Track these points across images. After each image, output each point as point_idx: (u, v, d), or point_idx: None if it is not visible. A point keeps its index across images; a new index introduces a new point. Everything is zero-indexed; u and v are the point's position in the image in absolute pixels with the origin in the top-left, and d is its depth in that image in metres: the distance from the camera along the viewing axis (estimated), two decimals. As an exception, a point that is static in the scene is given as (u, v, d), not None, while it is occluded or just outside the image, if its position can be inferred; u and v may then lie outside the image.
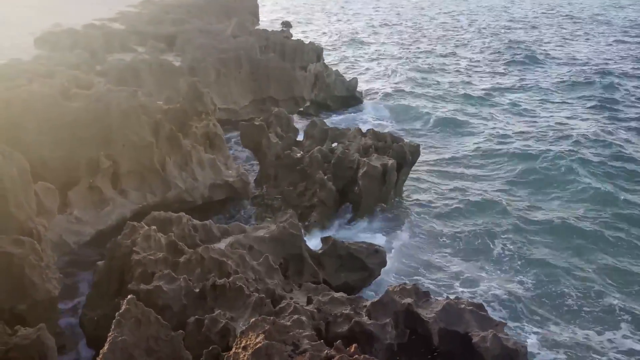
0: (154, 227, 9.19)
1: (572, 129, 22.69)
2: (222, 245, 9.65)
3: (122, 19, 33.91)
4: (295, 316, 6.97)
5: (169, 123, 13.35)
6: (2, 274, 8.26)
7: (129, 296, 5.38)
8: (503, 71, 36.92)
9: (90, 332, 8.31)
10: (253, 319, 5.45)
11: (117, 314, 5.14)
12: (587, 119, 24.29)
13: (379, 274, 10.91)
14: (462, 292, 11.03)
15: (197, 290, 7.90)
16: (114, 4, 41.26)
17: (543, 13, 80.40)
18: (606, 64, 37.44)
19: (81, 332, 8.60)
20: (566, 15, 76.53)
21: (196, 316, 7.39)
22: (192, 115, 14.48)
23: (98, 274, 8.89)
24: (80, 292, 10.28)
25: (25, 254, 8.41)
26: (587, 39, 51.40)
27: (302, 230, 10.95)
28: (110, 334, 4.95)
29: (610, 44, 47.83)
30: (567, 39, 52.55)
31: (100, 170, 11.79)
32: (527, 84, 32.23)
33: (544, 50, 44.27)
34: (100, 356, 4.78)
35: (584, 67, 35.75)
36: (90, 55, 21.36)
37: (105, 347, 4.84)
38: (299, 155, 14.98)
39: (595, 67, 35.59)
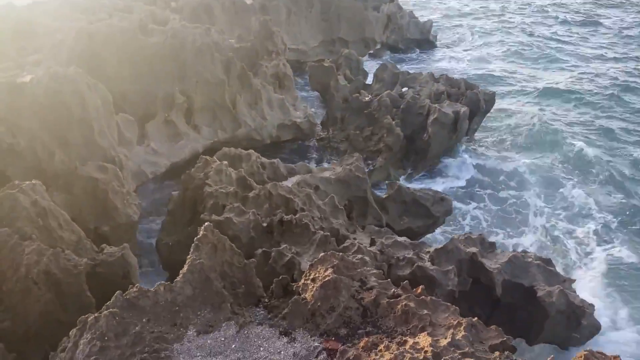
0: (225, 162, 9.47)
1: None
2: (289, 183, 9.85)
3: (196, -45, 33.75)
4: (359, 255, 7.10)
5: (240, 61, 13.45)
6: (88, 197, 8.92)
7: (206, 223, 5.68)
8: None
9: (165, 256, 8.89)
10: (322, 254, 5.60)
11: (195, 238, 5.45)
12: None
13: (444, 222, 10.81)
14: (529, 245, 10.76)
15: (265, 224, 8.18)
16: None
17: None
18: None
19: (156, 255, 9.20)
20: None
21: (263, 249, 7.69)
22: (263, 54, 14.52)
23: (173, 203, 9.37)
24: (157, 219, 10.91)
25: (109, 179, 9.00)
26: None
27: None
28: (189, 256, 5.28)
29: None
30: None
31: (175, 105, 12.18)
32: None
33: None
34: (180, 276, 5.13)
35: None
36: (166, -9, 21.59)
37: (185, 268, 5.18)
38: (367, 98, 14.75)
39: None
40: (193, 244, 5.44)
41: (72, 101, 9.18)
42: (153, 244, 9.34)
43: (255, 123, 13.21)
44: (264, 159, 10.50)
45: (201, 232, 5.54)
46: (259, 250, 7.67)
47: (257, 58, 14.62)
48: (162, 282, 5.25)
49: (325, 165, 12.72)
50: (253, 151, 10.44)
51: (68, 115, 9.18)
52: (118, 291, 5.08)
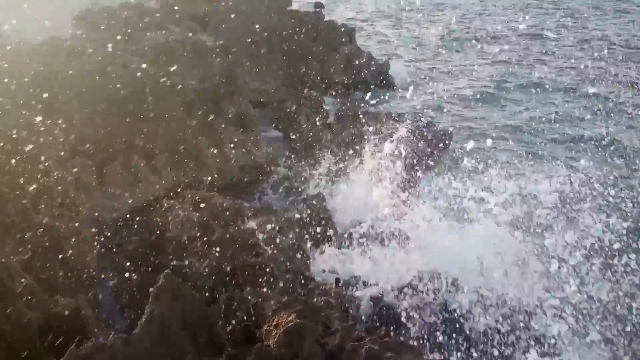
0: (186, 205, 9.37)
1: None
2: (252, 225, 9.79)
3: (157, -2, 34.12)
4: (324, 297, 7.05)
5: (202, 103, 13.51)
6: (42, 245, 8.60)
7: (165, 271, 5.55)
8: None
9: (125, 305, 8.58)
10: (285, 298, 5.54)
11: (154, 287, 5.32)
12: None
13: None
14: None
15: (228, 268, 8.06)
16: (148, -16, 41.44)
17: None
18: None
19: (116, 303, 8.88)
20: None
21: (227, 294, 7.55)
22: (225, 95, 14.61)
23: (132, 249, 9.14)
24: (115, 266, 10.57)
25: (64, 227, 8.72)
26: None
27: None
28: (147, 306, 5.13)
29: None
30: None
31: (135, 148, 12.04)
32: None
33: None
34: (138, 328, 4.96)
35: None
36: (125, 34, 21.65)
37: (143, 319, 5.02)
38: (329, 137, 14.96)
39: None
40: (152, 293, 5.30)
41: (27, 147, 8.95)
42: (112, 293, 9.01)
43: (218, 164, 13.17)
44: (227, 201, 10.44)
45: (160, 280, 5.41)
46: (222, 296, 7.52)
47: (219, 99, 14.69)
48: (120, 334, 5.06)
49: (290, 205, 12.70)
50: (216, 193, 10.39)
51: (22, 161, 8.93)
52: (72, 347, 4.86)
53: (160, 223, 8.97)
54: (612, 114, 22.70)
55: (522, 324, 8.30)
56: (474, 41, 40.17)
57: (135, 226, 11.11)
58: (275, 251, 8.84)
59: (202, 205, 9.93)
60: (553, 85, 27.49)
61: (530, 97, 25.87)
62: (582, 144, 19.14)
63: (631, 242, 10.51)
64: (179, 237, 8.46)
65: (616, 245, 9.96)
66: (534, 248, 10.53)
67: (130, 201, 11.79)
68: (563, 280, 9.43)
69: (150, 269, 8.58)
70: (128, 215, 11.74)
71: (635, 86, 26.67)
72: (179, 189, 11.19)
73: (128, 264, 8.96)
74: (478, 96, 25.35)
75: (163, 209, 9.40)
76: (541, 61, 34.39)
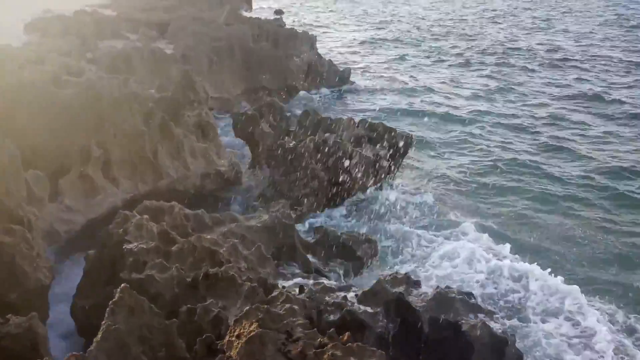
0: (145, 216, 9.16)
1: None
2: (214, 234, 9.66)
3: (114, 5, 33.60)
4: (288, 305, 7.02)
5: (161, 112, 13.28)
6: (-7, 262, 8.24)
7: (122, 285, 5.40)
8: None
9: (81, 321, 8.32)
10: (247, 308, 5.49)
11: (110, 302, 5.16)
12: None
13: (370, 263, 10.99)
14: (454, 280, 11.11)
15: (189, 279, 7.91)
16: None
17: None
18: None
19: (72, 321, 8.59)
20: (559, 7, 76.36)
21: (188, 305, 7.41)
22: (184, 104, 14.41)
23: (89, 263, 8.87)
24: (72, 281, 10.24)
25: (16, 242, 8.38)
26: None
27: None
28: (103, 322, 4.97)
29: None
30: (559, 30, 52.67)
31: (92, 158, 11.71)
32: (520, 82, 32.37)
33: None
34: (94, 344, 4.80)
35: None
36: (81, 42, 21.17)
37: (99, 336, 4.86)
38: (291, 145, 14.95)
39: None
40: (108, 308, 5.15)
41: (-26, 160, 8.59)
42: (68, 309, 8.71)
43: (178, 174, 12.95)
44: (187, 211, 10.26)
45: (117, 295, 5.26)
46: (184, 308, 7.37)
47: (178, 108, 14.47)
48: (74, 352, 4.89)
49: (252, 213, 12.61)
50: (176, 203, 10.18)
51: (-31, 175, 8.57)
52: (23, 367, 4.67)
53: (118, 235, 8.73)
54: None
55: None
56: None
57: (92, 239, 10.82)
58: (237, 260, 8.75)
59: (162, 215, 9.74)
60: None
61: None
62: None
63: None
64: (137, 248, 8.25)
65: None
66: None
67: (86, 213, 11.46)
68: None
69: (107, 283, 8.34)
70: (84, 228, 11.43)
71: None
72: (138, 200, 10.93)
73: (84, 279, 8.68)
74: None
75: (121, 221, 9.14)
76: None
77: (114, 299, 5.26)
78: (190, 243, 8.52)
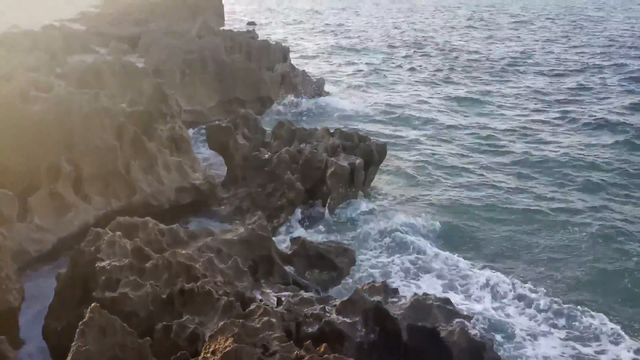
0: (118, 232, 8.99)
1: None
2: (189, 249, 9.53)
3: (83, 20, 33.20)
4: (265, 318, 6.95)
5: (133, 126, 13.11)
6: (-41, 285, 7.96)
7: (92, 304, 5.27)
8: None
9: (53, 343, 8.08)
10: (222, 323, 5.42)
11: (80, 323, 5.02)
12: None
13: (349, 273, 10.97)
14: (433, 287, 11.18)
15: (165, 295, 7.78)
16: (74, 5, 40.27)
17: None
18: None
19: (44, 343, 8.34)
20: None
21: (164, 322, 7.28)
22: (157, 117, 14.26)
23: (61, 282, 8.65)
24: (43, 302, 9.97)
25: (-17, 264, 8.13)
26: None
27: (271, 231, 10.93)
28: (73, 344, 4.83)
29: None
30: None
31: (62, 175, 11.48)
32: (496, 91, 33.01)
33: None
34: (63, 367, 4.66)
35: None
36: (49, 57, 20.82)
37: (69, 358, 4.72)
38: (266, 156, 14.92)
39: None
40: (78, 329, 5.02)
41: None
42: (40, 330, 8.46)
43: (152, 188, 12.78)
44: (162, 226, 10.11)
45: (87, 315, 5.14)
46: (159, 325, 7.24)
47: (151, 122, 14.31)
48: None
49: (228, 226, 12.50)
50: (150, 218, 10.02)
51: None
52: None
53: (90, 253, 8.54)
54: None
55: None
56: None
57: (64, 258, 10.56)
58: (214, 274, 8.64)
59: (136, 231, 9.57)
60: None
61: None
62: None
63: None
64: (110, 266, 8.08)
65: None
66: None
67: (57, 232, 11.19)
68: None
69: (80, 303, 8.14)
70: (56, 247, 11.15)
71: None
72: (111, 216, 10.73)
73: (56, 299, 8.46)
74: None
75: (93, 238, 8.95)
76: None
77: (84, 320, 5.13)
78: (165, 259, 8.39)
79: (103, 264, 8.10)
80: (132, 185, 12.50)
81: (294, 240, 11.07)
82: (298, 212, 13.66)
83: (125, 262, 8.24)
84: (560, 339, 9.77)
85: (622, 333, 9.82)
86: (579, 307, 10.49)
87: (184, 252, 8.89)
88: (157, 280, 8.13)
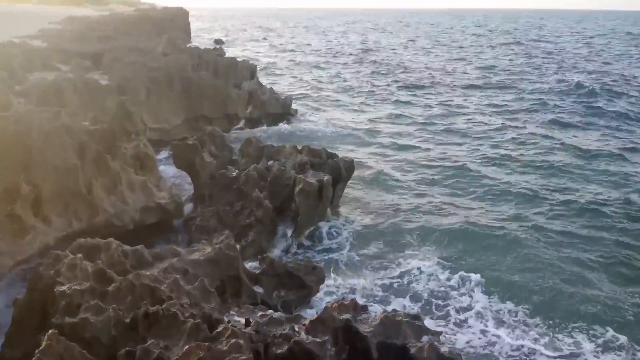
0: (79, 255, 8.68)
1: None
2: (154, 270, 9.29)
3: (44, 37, 32.45)
4: (233, 340, 6.80)
5: (96, 144, 12.79)
6: None
7: (49, 331, 5.03)
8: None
9: (9, 373, 7.69)
10: (186, 347, 5.25)
11: (37, 351, 4.78)
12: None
13: (318, 291, 10.89)
14: (403, 303, 11.19)
15: (128, 320, 7.52)
16: (35, 22, 39.44)
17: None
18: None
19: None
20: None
21: (127, 348, 7.03)
22: (121, 135, 13.96)
23: (18, 308, 8.26)
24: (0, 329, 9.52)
25: None
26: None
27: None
28: (29, 374, 4.59)
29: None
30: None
31: (20, 196, 11.05)
32: (464, 107, 33.83)
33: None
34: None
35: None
36: (8, 75, 20.20)
37: (23, 390, 4.47)
38: (234, 174, 14.77)
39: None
40: (34, 357, 4.78)
41: None
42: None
43: (115, 208, 12.44)
44: (126, 247, 9.82)
45: (44, 342, 4.91)
46: (123, 351, 6.98)
47: (114, 140, 14.00)
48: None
49: (195, 246, 12.27)
50: (113, 239, 9.73)
51: None
52: None
53: (49, 277, 8.21)
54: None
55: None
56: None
57: (22, 282, 10.14)
58: (179, 296, 8.42)
59: (98, 253, 9.27)
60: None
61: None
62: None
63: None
64: (70, 290, 7.77)
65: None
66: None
67: (15, 255, 10.74)
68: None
69: (38, 329, 7.78)
70: (13, 271, 10.69)
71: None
72: (72, 238, 10.37)
73: (13, 326, 8.07)
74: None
75: (52, 261, 8.61)
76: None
77: (41, 347, 4.90)
78: (129, 281, 8.13)
79: (63, 288, 7.79)
80: (95, 205, 12.14)
81: (262, 259, 10.94)
82: (268, 230, 13.53)
83: (86, 285, 7.95)
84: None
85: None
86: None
87: (148, 273, 8.65)
88: (120, 303, 7.86)
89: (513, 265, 12.95)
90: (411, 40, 78.29)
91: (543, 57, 59.37)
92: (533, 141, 23.99)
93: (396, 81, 41.32)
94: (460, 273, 12.21)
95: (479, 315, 10.85)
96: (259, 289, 10.38)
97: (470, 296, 11.44)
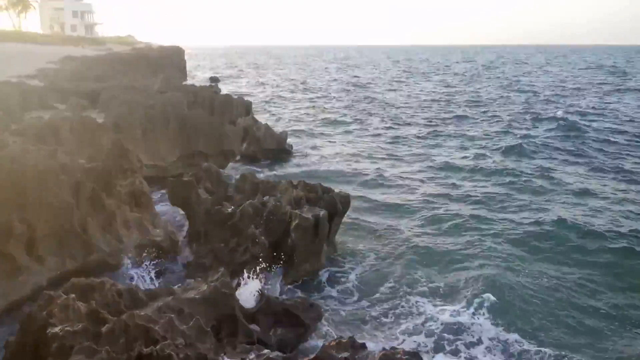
0: (73, 295, 8.54)
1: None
2: (149, 310, 9.14)
3: (41, 76, 32.79)
4: (229, 381, 6.65)
5: (91, 182, 12.80)
6: None
7: (41, 377, 4.90)
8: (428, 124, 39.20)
9: (-2, 419, 7.45)
10: (182, 391, 5.12)
11: (27, 398, 4.65)
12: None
13: (315, 329, 10.72)
14: (402, 340, 11.00)
15: (122, 361, 7.36)
16: (33, 62, 39.99)
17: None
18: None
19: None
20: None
21: (121, 391, 6.85)
22: (117, 173, 14.00)
23: (10, 351, 8.08)
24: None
25: None
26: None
27: (235, 288, 10.63)
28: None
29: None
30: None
31: (13, 235, 10.98)
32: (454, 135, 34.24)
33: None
34: None
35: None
36: (5, 114, 20.33)
37: None
38: (229, 210, 14.72)
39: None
40: (25, 405, 4.64)
41: None
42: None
43: (110, 247, 12.35)
44: (120, 286, 9.68)
45: (36, 389, 4.77)
46: (115, 394, 6.81)
47: (110, 177, 14.04)
48: None
49: (191, 284, 12.11)
50: (107, 279, 9.61)
51: None
52: None
53: (42, 318, 8.06)
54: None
55: None
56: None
57: (14, 324, 9.92)
58: (174, 336, 8.26)
59: (92, 293, 9.13)
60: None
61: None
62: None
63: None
64: (63, 332, 7.62)
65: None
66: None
67: (8, 296, 10.57)
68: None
69: (29, 373, 7.59)
70: (6, 312, 10.49)
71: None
72: (65, 277, 10.24)
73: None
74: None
75: (45, 302, 8.47)
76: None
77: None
78: (122, 321, 7.99)
79: (55, 329, 7.64)
80: (89, 244, 12.05)
81: (258, 297, 10.79)
82: (264, 267, 13.40)
83: (79, 326, 7.80)
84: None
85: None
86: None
87: (142, 313, 8.51)
88: (113, 345, 7.71)
89: (525, 297, 12.76)
90: (397, 80, 79.82)
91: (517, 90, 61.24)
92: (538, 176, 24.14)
93: (387, 116, 42.04)
94: (469, 306, 12.02)
95: (488, 350, 10.65)
96: (255, 328, 10.21)
97: (479, 329, 11.22)
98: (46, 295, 8.49)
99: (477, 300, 12.23)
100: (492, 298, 12.25)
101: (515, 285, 13.25)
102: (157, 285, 11.70)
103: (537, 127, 36.52)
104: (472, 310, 11.95)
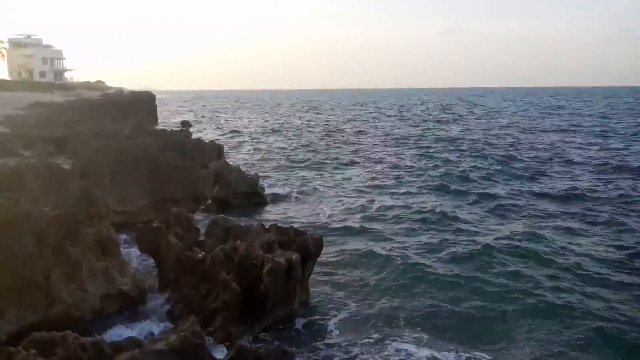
0: (33, 350, 8.16)
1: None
2: (115, 363, 8.75)
3: (8, 123, 32.25)
4: None
5: (56, 230, 12.40)
6: None
7: None
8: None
9: None
10: None
11: None
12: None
13: (290, 378, 10.41)
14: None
15: (84, 421, 6.96)
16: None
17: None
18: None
19: None
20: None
21: None
22: (83, 220, 13.62)
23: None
24: None
25: None
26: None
27: (206, 338, 10.30)
28: None
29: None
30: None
31: (-29, 289, 10.48)
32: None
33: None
34: None
35: (465, 157, 39.77)
36: (-34, 161, 19.76)
37: None
38: (200, 256, 14.43)
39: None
40: None
41: None
42: None
43: (74, 298, 11.88)
44: (83, 339, 9.28)
45: None
46: None
47: (75, 225, 13.63)
48: None
49: (159, 334, 11.70)
50: (70, 332, 9.20)
51: None
52: None
53: (-1, 377, 7.61)
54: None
55: None
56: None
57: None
58: (141, 391, 7.90)
59: (54, 347, 8.71)
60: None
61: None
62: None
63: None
64: (21, 391, 7.20)
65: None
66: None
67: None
68: None
69: None
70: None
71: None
72: (26, 332, 9.76)
73: None
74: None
75: (5, 358, 8.03)
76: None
77: None
78: (86, 377, 7.62)
79: (12, 389, 7.21)
80: (52, 295, 11.57)
81: (229, 346, 10.49)
82: (235, 314, 13.04)
83: (39, 385, 7.39)
84: None
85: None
86: None
87: (108, 368, 8.14)
88: (75, 403, 7.30)
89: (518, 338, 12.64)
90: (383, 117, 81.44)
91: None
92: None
93: (366, 158, 42.54)
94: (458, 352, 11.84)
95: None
96: (226, 379, 9.86)
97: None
98: (5, 351, 8.07)
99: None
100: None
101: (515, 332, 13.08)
102: (123, 337, 11.20)
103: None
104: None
